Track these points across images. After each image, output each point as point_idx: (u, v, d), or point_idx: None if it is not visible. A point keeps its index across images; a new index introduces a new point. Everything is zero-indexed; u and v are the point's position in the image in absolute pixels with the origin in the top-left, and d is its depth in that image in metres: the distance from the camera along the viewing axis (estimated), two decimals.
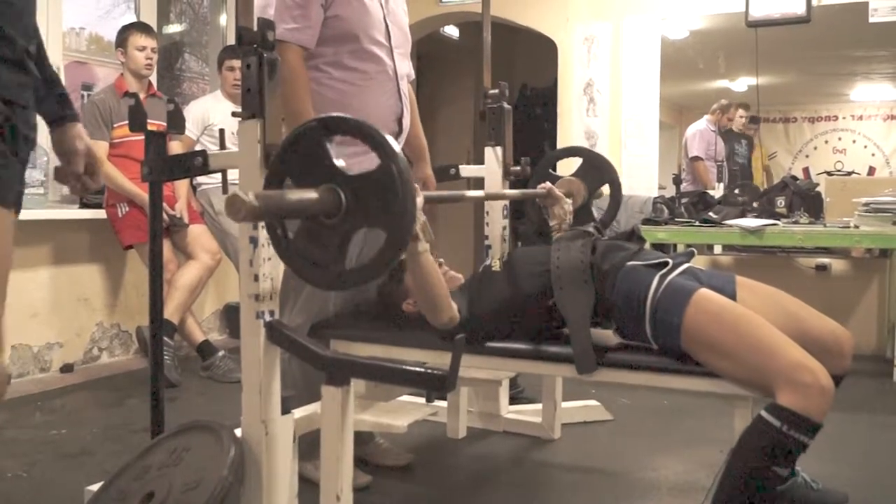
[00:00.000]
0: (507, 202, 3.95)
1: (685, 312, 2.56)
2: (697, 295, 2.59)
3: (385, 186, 1.98)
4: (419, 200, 2.54)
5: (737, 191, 6.28)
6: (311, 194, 2.01)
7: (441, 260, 3.18)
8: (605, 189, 4.03)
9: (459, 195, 3.23)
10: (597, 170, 3.98)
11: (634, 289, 2.67)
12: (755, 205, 6.00)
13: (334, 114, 2.16)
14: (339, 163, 2.06)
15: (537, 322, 2.88)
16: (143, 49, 5.17)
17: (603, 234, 3.10)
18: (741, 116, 7.10)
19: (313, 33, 3.09)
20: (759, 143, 7.24)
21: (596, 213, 3.99)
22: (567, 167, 4.21)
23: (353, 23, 3.15)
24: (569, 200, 3.67)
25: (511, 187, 3.99)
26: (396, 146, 2.02)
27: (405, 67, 3.41)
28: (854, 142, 7.11)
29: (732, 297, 2.72)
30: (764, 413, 2.38)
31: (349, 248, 2.10)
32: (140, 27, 5.28)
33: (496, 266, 3.02)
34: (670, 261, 2.76)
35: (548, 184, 3.66)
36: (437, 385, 2.23)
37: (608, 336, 2.75)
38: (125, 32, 5.20)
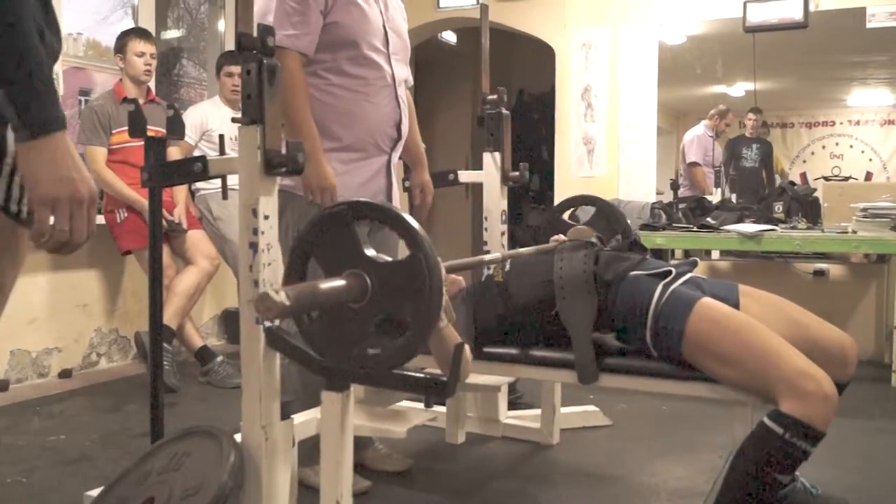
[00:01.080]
0: (505, 207, 3.95)
1: (688, 321, 2.56)
2: (700, 304, 2.59)
3: (412, 275, 2.00)
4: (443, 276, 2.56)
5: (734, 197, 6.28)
6: (340, 283, 2.02)
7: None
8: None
9: (478, 261, 3.21)
10: (609, 220, 3.97)
11: (637, 298, 2.67)
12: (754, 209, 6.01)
13: (363, 199, 2.17)
14: (370, 252, 2.06)
15: (539, 331, 2.89)
16: (142, 55, 5.17)
17: (605, 245, 3.10)
18: (751, 120, 7.09)
19: (312, 39, 3.10)
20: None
21: None
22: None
23: (353, 29, 3.15)
24: None
25: (509, 192, 3.99)
26: (426, 236, 2.03)
27: (403, 73, 3.42)
28: (851, 147, 7.12)
29: (736, 305, 2.73)
30: (767, 420, 2.38)
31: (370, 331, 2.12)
32: (139, 33, 5.28)
33: (498, 275, 3.02)
34: (673, 270, 2.76)
35: (561, 236, 3.67)
36: (436, 391, 2.23)
37: (609, 341, 2.76)
38: (124, 38, 5.20)
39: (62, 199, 1.49)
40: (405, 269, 2.01)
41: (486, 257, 3.21)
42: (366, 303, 2.05)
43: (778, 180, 6.98)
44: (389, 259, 2.06)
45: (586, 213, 4.17)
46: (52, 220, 1.49)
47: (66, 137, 1.51)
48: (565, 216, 4.07)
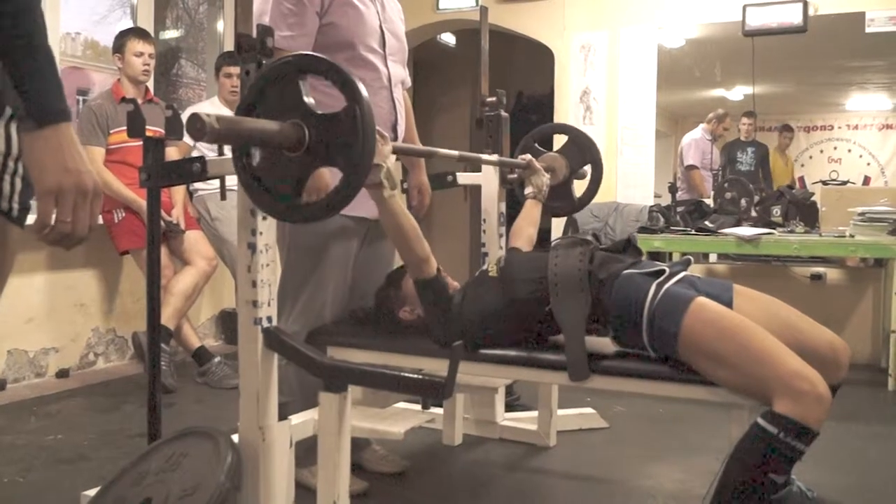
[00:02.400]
0: (503, 210, 3.96)
1: (682, 321, 2.56)
2: (695, 303, 2.58)
3: (348, 127, 2.02)
4: (386, 149, 2.65)
5: (728, 194, 6.27)
6: (273, 125, 2.06)
7: (439, 267, 3.19)
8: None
9: (431, 151, 3.25)
10: (580, 148, 4.00)
11: (631, 297, 2.67)
12: (753, 213, 6.02)
13: (310, 52, 2.19)
14: (309, 100, 2.08)
15: (532, 328, 2.88)
16: (140, 55, 5.17)
17: (601, 243, 3.10)
18: (745, 124, 7.10)
19: (308, 41, 3.10)
20: (787, 152, 7.27)
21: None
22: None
23: (349, 30, 3.15)
24: (547, 175, 3.73)
25: (507, 194, 4.00)
26: (364, 90, 2.05)
27: (400, 74, 3.42)
28: (849, 151, 7.13)
29: (729, 305, 2.72)
30: (760, 420, 2.38)
31: (307, 185, 2.15)
32: (138, 33, 5.28)
33: (493, 271, 3.02)
34: (667, 269, 2.76)
35: (528, 156, 3.70)
36: (434, 392, 2.24)
37: (605, 344, 2.75)
38: (123, 38, 5.20)
39: (67, 190, 1.47)
40: (341, 120, 2.03)
41: (441, 151, 3.26)
42: (303, 151, 2.06)
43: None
44: (329, 112, 2.07)
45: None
46: (55, 212, 1.48)
47: (71, 130, 1.50)
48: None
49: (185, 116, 5.05)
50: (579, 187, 4.07)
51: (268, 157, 2.16)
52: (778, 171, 7.28)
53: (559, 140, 4.26)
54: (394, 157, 2.82)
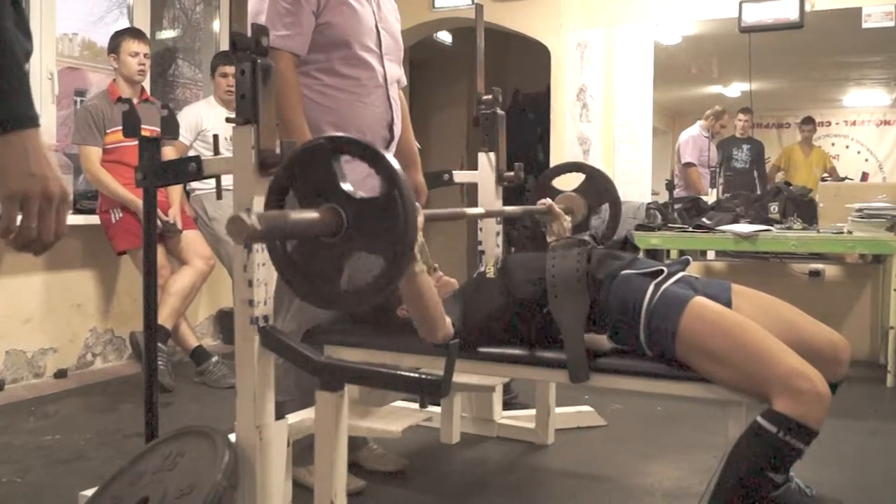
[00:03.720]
0: (499, 205, 3.95)
1: (680, 320, 2.56)
2: (693, 303, 2.58)
3: (387, 212, 1.97)
4: (419, 219, 2.54)
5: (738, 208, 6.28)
6: (313, 215, 2.01)
7: (436, 265, 3.18)
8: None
9: (460, 213, 3.22)
10: (598, 187, 3.98)
11: (629, 297, 2.67)
12: (750, 210, 6.02)
13: (344, 134, 2.16)
14: (347, 186, 2.06)
15: (531, 329, 2.88)
16: (136, 55, 5.17)
17: (599, 243, 3.10)
18: (741, 120, 7.10)
19: (304, 40, 3.10)
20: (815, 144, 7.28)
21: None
22: (566, 179, 4.18)
23: (345, 30, 3.15)
24: (568, 218, 3.70)
25: (504, 193, 3.99)
26: (402, 172, 2.01)
27: (396, 73, 3.42)
28: (847, 147, 7.14)
29: (728, 304, 2.72)
30: (760, 419, 2.38)
31: (345, 269, 2.10)
32: (133, 33, 5.28)
33: (490, 273, 3.02)
34: (665, 269, 2.76)
35: (548, 200, 3.67)
36: (431, 391, 2.23)
37: (602, 341, 2.76)
38: (118, 38, 5.20)
39: (32, 196, 1.44)
40: (381, 204, 1.99)
41: (469, 210, 3.22)
42: (340, 237, 2.03)
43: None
44: (366, 195, 2.05)
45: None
46: (20, 217, 1.44)
47: (38, 136, 1.47)
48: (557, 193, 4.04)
49: (180, 117, 5.08)
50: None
51: (304, 244, 2.14)
52: (795, 164, 7.26)
53: (566, 178, 4.22)
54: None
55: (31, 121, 1.46)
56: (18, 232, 1.45)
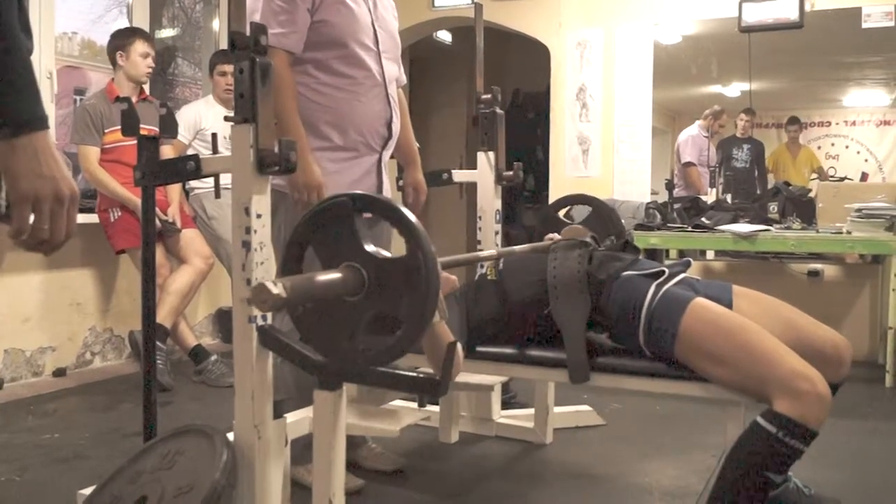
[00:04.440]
0: (499, 206, 3.95)
1: (681, 322, 2.56)
2: (693, 304, 2.59)
3: (410, 273, 1.98)
4: (445, 279, 2.56)
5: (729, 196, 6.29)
6: (336, 275, 2.02)
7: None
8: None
9: (474, 257, 3.20)
10: (603, 221, 3.97)
11: (630, 298, 2.67)
12: (748, 210, 6.03)
13: (365, 192, 2.16)
14: (370, 247, 2.06)
15: (532, 331, 2.88)
16: (146, 56, 5.18)
17: (599, 245, 3.10)
18: (742, 120, 7.10)
19: (300, 38, 3.09)
20: (802, 145, 7.27)
21: None
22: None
23: (341, 28, 3.15)
24: None
25: (503, 192, 3.99)
26: (425, 233, 2.01)
27: (393, 71, 3.42)
28: (847, 147, 7.13)
29: (729, 306, 2.73)
30: (760, 419, 2.38)
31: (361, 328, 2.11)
32: (142, 34, 5.28)
33: (491, 274, 3.02)
34: (666, 270, 2.76)
35: (555, 236, 3.67)
36: (429, 390, 2.23)
37: (602, 341, 2.76)
38: (129, 37, 5.18)
39: (43, 198, 1.44)
40: (403, 265, 1.99)
41: (482, 254, 3.21)
42: (361, 297, 2.04)
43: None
44: (388, 255, 2.05)
45: (580, 213, 4.17)
46: (31, 218, 1.44)
47: (48, 137, 1.47)
48: (560, 215, 4.06)
49: (179, 116, 5.08)
50: None
51: (321, 305, 2.14)
52: (783, 165, 7.26)
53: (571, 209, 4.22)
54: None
55: (41, 122, 1.47)
56: (30, 233, 1.46)
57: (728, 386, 2.52)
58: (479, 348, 2.90)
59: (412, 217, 2.02)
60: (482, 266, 3.45)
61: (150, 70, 5.25)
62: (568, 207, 4.26)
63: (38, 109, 1.47)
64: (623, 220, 4.11)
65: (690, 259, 3.09)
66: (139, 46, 5.18)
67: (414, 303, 1.97)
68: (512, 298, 2.89)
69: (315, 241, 2.15)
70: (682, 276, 2.80)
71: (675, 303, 2.60)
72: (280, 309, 1.93)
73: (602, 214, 3.98)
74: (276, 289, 1.78)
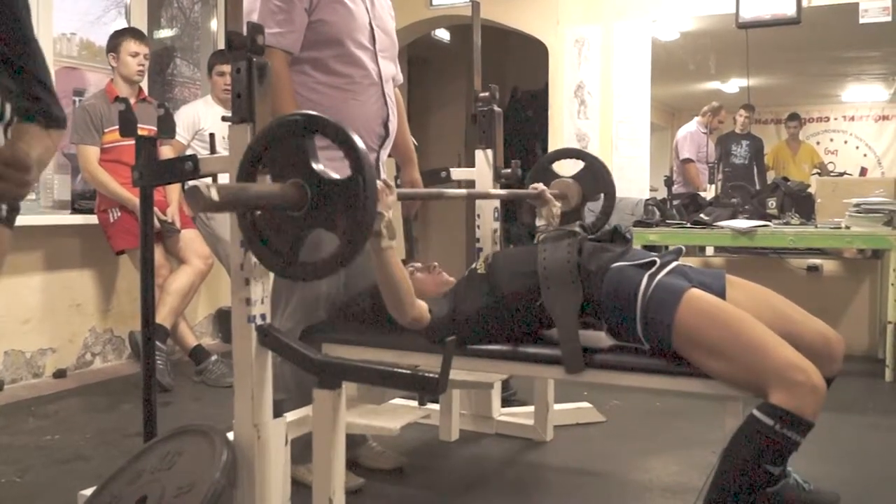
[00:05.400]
0: (497, 205, 3.95)
1: (676, 312, 2.55)
2: (688, 294, 2.58)
3: (350, 193, 2.02)
4: (390, 199, 2.60)
5: (734, 200, 6.29)
6: (274, 189, 2.08)
7: (435, 264, 3.19)
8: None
9: (437, 193, 3.24)
10: (595, 176, 3.99)
11: (623, 289, 2.66)
12: (747, 206, 6.03)
13: (319, 113, 2.18)
14: (317, 166, 2.08)
15: (524, 322, 2.88)
16: (135, 55, 5.18)
17: (588, 233, 3.10)
18: (742, 116, 7.10)
19: (297, 38, 3.10)
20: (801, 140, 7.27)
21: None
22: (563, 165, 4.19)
23: (338, 27, 3.15)
24: (558, 204, 3.70)
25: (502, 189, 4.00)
26: (369, 157, 2.06)
27: (390, 71, 3.42)
28: (846, 142, 7.14)
29: (722, 293, 2.72)
30: (756, 412, 2.38)
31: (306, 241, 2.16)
32: (133, 33, 5.29)
33: (481, 268, 3.02)
34: (658, 259, 2.75)
35: (540, 185, 3.68)
36: (428, 388, 2.24)
37: (600, 338, 2.75)
38: (118, 38, 5.21)
39: (29, 181, 1.80)
40: (345, 186, 2.04)
41: (448, 191, 3.24)
42: (304, 212, 2.07)
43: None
44: (335, 176, 2.08)
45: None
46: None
47: (61, 139, 1.87)
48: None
49: (178, 116, 5.08)
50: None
51: (269, 214, 2.18)
52: (783, 162, 7.26)
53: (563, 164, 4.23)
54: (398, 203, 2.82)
55: (65, 123, 2.05)
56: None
57: (723, 378, 2.52)
58: (478, 346, 2.90)
59: (357, 140, 2.06)
60: (478, 258, 3.45)
61: (140, 68, 5.24)
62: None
63: (63, 113, 2.02)
64: (622, 217, 4.13)
65: (682, 247, 3.09)
66: (129, 46, 5.18)
67: (351, 221, 2.02)
68: (503, 290, 2.88)
69: (268, 158, 2.17)
70: (673, 264, 2.79)
71: (670, 293, 2.60)
72: (211, 212, 1.99)
73: (594, 170, 4.00)
74: (209, 192, 1.80)
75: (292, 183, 2.07)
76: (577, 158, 4.17)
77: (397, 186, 3.71)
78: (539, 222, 3.65)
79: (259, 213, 2.20)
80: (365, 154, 2.04)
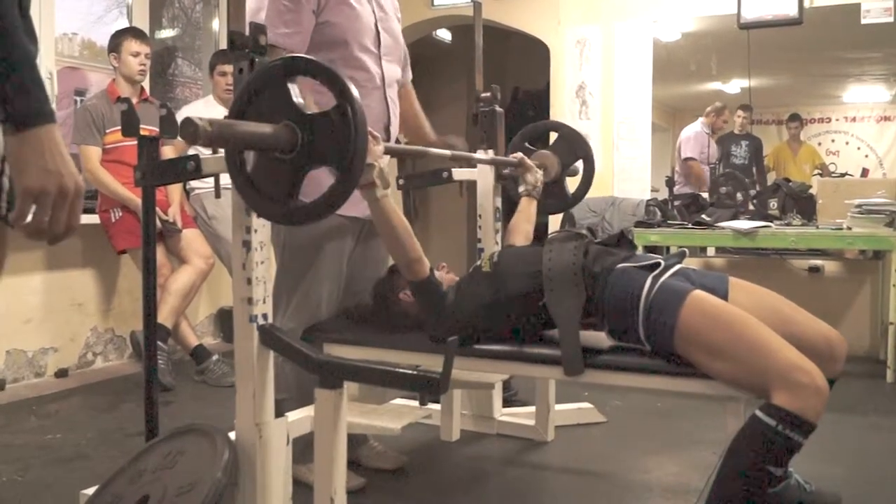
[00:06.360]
0: (499, 205, 3.95)
1: (679, 314, 2.55)
2: (691, 296, 2.58)
3: (340, 126, 2.02)
4: (378, 148, 2.65)
5: (723, 189, 6.28)
6: (266, 128, 2.06)
7: (444, 264, 3.19)
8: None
9: (423, 151, 3.25)
10: (571, 144, 4.00)
11: (627, 291, 2.67)
12: (750, 206, 6.03)
13: (298, 55, 2.18)
14: (299, 101, 2.09)
15: (526, 322, 2.88)
16: (136, 55, 5.18)
17: (596, 237, 3.10)
18: (739, 117, 7.09)
19: (304, 39, 3.10)
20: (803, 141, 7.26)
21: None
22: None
23: (344, 29, 3.16)
24: (540, 171, 3.72)
25: (503, 189, 3.99)
26: (354, 88, 2.05)
27: (395, 74, 3.42)
28: (847, 143, 7.12)
29: (725, 296, 2.72)
30: (759, 413, 2.38)
31: (302, 185, 2.14)
32: (135, 33, 5.29)
33: (486, 266, 3.02)
34: (662, 262, 2.75)
35: (520, 154, 3.71)
36: (429, 388, 2.24)
37: (601, 338, 2.75)
38: (120, 37, 5.20)
39: (48, 191, 1.48)
40: (333, 119, 2.03)
41: (432, 150, 3.25)
42: (296, 154, 2.07)
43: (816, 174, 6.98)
44: (319, 112, 2.08)
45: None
46: (33, 210, 1.49)
47: (54, 131, 1.50)
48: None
49: (179, 116, 5.09)
50: (572, 183, 4.07)
51: (261, 160, 2.16)
52: (784, 162, 7.24)
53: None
54: (387, 157, 2.82)
55: (47, 117, 1.50)
56: (30, 222, 1.49)
57: (726, 379, 2.52)
58: (479, 346, 2.90)
59: (340, 72, 2.07)
60: (479, 258, 3.46)
61: (142, 68, 5.24)
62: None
63: (44, 105, 1.50)
64: (623, 218, 4.13)
65: (685, 250, 3.09)
66: (130, 45, 5.18)
67: (344, 151, 2.02)
68: (507, 290, 2.88)
69: (253, 111, 2.16)
70: (677, 267, 2.80)
71: (673, 295, 2.60)
72: (205, 144, 1.94)
73: (568, 138, 4.03)
74: (202, 123, 1.81)
75: (283, 125, 2.07)
76: (551, 130, 4.20)
77: (399, 188, 3.73)
78: (521, 188, 3.71)
79: (251, 168, 2.19)
80: (347, 83, 2.05)
